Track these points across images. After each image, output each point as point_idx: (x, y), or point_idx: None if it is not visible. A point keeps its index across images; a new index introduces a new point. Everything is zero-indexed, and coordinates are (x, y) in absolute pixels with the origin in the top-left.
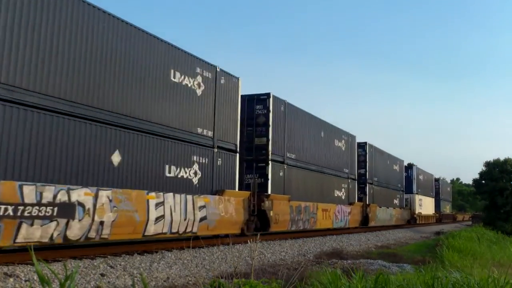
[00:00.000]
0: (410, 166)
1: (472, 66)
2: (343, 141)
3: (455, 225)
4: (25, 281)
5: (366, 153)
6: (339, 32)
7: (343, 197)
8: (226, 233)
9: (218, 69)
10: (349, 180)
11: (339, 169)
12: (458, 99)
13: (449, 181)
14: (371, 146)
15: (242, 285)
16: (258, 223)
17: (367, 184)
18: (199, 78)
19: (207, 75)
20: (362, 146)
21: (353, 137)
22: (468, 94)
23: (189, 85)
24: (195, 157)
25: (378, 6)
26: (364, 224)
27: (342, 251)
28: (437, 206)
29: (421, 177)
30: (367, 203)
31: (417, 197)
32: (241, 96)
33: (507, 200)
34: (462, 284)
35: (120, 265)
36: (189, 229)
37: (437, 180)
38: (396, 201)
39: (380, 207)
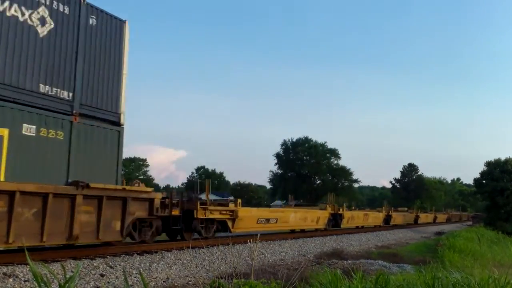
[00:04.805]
0: None
1: (473, 67)
2: None
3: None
4: (24, 281)
5: None
6: (337, 34)
7: None
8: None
9: None
10: None
11: None
12: (460, 99)
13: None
14: None
15: (241, 285)
16: None
17: None
18: None
19: None
20: None
21: None
22: (470, 95)
23: None
24: None
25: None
26: None
27: (343, 251)
28: None
29: None
30: None
31: None
32: None
33: (507, 200)
34: (462, 285)
35: (119, 265)
36: None
37: None
38: None
39: None
